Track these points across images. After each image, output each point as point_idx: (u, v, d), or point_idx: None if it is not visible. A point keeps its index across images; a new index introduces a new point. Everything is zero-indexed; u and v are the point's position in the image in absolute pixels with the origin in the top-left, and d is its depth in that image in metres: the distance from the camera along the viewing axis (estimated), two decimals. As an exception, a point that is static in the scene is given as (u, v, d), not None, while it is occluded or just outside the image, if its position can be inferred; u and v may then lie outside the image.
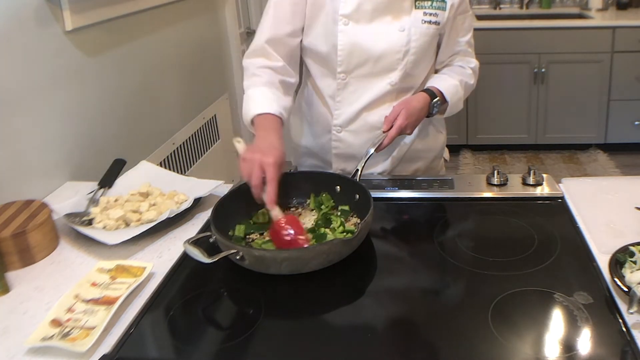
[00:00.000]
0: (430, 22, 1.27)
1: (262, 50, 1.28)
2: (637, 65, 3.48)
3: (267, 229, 1.10)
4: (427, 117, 1.34)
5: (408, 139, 1.41)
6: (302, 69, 1.42)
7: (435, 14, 1.27)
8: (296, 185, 1.21)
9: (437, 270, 1.02)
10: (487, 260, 1.02)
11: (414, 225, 1.19)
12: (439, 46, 1.37)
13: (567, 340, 0.81)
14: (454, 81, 1.36)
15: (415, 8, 1.26)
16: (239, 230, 1.09)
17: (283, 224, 1.03)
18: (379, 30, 1.26)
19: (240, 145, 1.11)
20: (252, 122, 1.20)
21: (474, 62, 1.42)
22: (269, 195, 1.03)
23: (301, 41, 1.34)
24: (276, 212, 1.04)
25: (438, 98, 1.32)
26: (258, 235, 1.10)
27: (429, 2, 1.27)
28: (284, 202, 1.18)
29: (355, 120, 1.34)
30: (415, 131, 1.39)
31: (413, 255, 1.08)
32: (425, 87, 1.35)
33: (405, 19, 1.26)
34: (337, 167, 1.41)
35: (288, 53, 1.30)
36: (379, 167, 1.41)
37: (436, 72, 1.42)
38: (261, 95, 1.22)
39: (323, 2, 1.26)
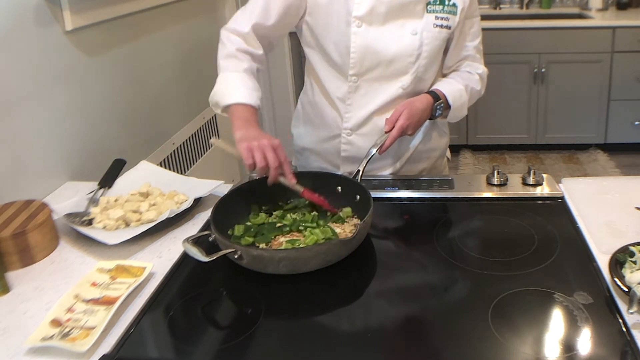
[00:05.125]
0: (441, 26, 1.26)
1: (246, 35, 1.26)
2: (637, 65, 3.48)
3: (265, 229, 1.10)
4: (430, 119, 1.34)
5: (412, 142, 1.40)
6: (306, 72, 1.41)
7: (447, 18, 1.26)
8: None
9: (437, 271, 1.02)
10: (487, 260, 1.02)
11: (414, 225, 1.19)
12: (446, 51, 1.36)
13: (567, 340, 0.81)
14: (459, 86, 1.34)
15: (427, 12, 1.26)
16: (239, 230, 1.09)
17: (310, 193, 1.14)
18: (391, 33, 1.25)
19: (219, 142, 1.17)
20: (228, 106, 1.20)
21: (481, 69, 1.40)
22: (288, 175, 1.11)
23: (308, 43, 1.33)
24: (299, 187, 1.13)
25: (441, 100, 1.31)
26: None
27: (441, 7, 1.26)
28: (283, 202, 1.19)
29: (366, 123, 1.33)
30: (420, 134, 1.39)
31: (413, 256, 1.08)
32: (429, 90, 1.34)
33: (417, 23, 1.25)
34: (345, 170, 1.39)
35: (268, 44, 1.31)
36: (385, 170, 1.40)
37: (443, 77, 1.41)
38: (242, 83, 1.22)
39: (333, 3, 1.25)
